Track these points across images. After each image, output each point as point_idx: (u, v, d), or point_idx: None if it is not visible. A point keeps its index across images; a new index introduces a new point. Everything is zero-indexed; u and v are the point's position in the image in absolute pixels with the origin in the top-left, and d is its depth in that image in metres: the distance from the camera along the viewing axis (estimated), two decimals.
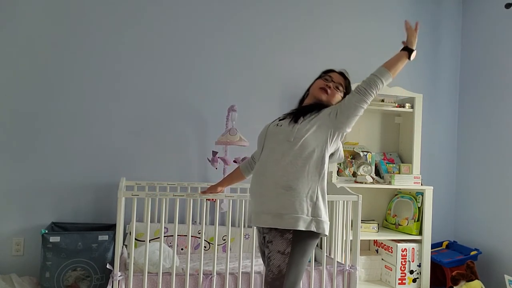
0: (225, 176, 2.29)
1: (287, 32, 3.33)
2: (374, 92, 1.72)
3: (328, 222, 1.75)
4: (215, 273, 2.33)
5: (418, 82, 3.58)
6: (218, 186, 2.24)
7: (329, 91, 1.85)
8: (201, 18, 3.18)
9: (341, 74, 1.93)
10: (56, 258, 2.53)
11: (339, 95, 1.88)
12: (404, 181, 3.15)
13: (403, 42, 1.84)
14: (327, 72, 1.94)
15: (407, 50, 1.80)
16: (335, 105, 1.82)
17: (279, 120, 1.86)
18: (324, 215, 1.71)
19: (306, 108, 1.83)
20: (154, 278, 2.27)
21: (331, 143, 1.75)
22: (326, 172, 1.76)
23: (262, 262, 1.94)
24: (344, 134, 1.79)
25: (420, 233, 3.10)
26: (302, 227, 1.64)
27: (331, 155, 1.83)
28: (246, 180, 2.32)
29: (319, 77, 1.94)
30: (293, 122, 1.75)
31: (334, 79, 1.89)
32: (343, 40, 3.45)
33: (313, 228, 1.66)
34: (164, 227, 2.66)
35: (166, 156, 3.09)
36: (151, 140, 3.07)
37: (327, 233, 1.72)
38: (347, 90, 1.89)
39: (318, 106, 1.83)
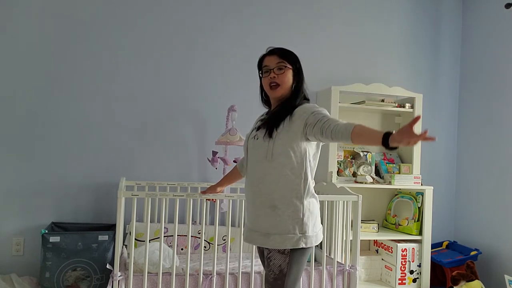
0: (224, 176, 2.29)
1: (287, 32, 3.33)
2: (327, 141, 1.59)
3: (317, 232, 1.71)
4: (215, 273, 2.33)
5: (418, 82, 3.58)
6: (217, 186, 2.24)
7: (278, 81, 1.70)
8: (201, 18, 3.18)
9: (272, 52, 1.75)
10: (56, 258, 2.53)
11: (287, 74, 1.72)
12: (404, 181, 3.15)
13: (392, 133, 1.37)
14: (261, 61, 1.79)
15: (386, 138, 1.37)
16: (307, 112, 1.64)
17: (256, 130, 1.77)
18: (311, 230, 1.67)
19: (277, 117, 1.70)
20: (154, 278, 2.27)
21: (310, 148, 1.69)
22: (311, 181, 1.70)
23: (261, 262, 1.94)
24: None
25: (420, 233, 3.10)
26: (289, 246, 1.63)
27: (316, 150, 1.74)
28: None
29: (259, 73, 1.80)
30: (267, 136, 1.66)
31: (270, 66, 1.72)
32: (343, 40, 3.45)
33: (302, 245, 1.64)
34: (164, 227, 2.66)
35: (166, 156, 3.09)
36: (151, 140, 3.07)
37: (317, 243, 1.71)
38: (289, 61, 1.73)
39: (285, 110, 1.70)
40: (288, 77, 1.73)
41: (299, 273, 1.70)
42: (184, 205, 2.83)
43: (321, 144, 1.75)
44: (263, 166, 1.69)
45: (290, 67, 1.74)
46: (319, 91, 3.32)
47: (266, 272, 1.71)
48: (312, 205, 1.71)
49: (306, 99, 1.79)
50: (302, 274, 2.08)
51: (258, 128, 1.76)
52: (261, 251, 1.85)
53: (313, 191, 1.73)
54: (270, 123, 1.69)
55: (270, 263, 1.67)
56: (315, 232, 1.70)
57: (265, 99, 1.88)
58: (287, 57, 1.74)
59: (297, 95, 1.75)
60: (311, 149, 1.70)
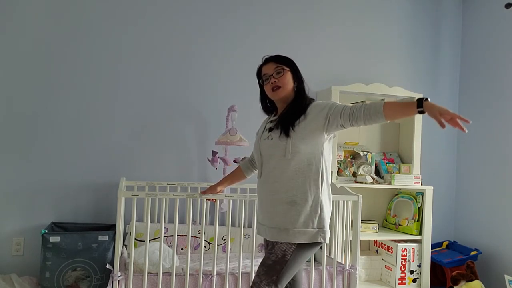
0: (225, 175, 2.29)
1: (287, 32, 3.33)
2: (358, 125, 1.66)
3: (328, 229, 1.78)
4: (215, 273, 2.33)
5: (418, 82, 3.58)
6: (218, 186, 2.24)
7: (279, 84, 1.77)
8: (201, 18, 3.18)
9: (267, 61, 1.84)
10: (56, 258, 2.53)
11: (286, 76, 1.79)
12: (404, 181, 3.15)
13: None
14: (259, 72, 1.88)
15: (420, 102, 1.53)
16: (325, 107, 1.71)
17: (268, 131, 1.80)
18: (328, 225, 1.74)
19: (291, 116, 1.75)
20: (154, 278, 2.27)
21: (327, 144, 1.76)
22: (328, 177, 1.76)
23: None
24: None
25: (420, 233, 3.10)
26: (308, 240, 1.68)
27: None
28: (247, 180, 2.32)
29: (260, 82, 1.88)
30: (284, 136, 1.71)
31: (269, 73, 1.80)
32: (343, 40, 3.45)
33: (320, 240, 1.69)
34: (164, 227, 2.67)
35: (166, 156, 3.09)
36: (151, 140, 3.07)
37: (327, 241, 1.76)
38: (285, 64, 1.80)
39: (298, 109, 1.76)
40: (288, 78, 1.80)
41: (299, 265, 1.73)
42: (184, 205, 2.83)
43: (332, 140, 1.80)
44: (281, 164, 1.72)
45: (288, 69, 1.81)
46: (319, 91, 3.32)
47: (266, 254, 1.72)
48: (328, 200, 1.77)
49: (312, 98, 1.85)
50: (302, 273, 2.09)
51: (270, 129, 1.80)
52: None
53: (330, 186, 1.79)
54: (285, 123, 1.74)
55: (275, 246, 1.69)
56: (328, 228, 1.75)
57: (268, 106, 1.94)
58: (283, 61, 1.82)
59: (302, 94, 1.82)
60: (326, 144, 1.75)
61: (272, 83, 1.79)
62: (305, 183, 1.70)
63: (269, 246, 1.74)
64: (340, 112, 1.65)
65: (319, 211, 1.70)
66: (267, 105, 1.94)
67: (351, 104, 1.69)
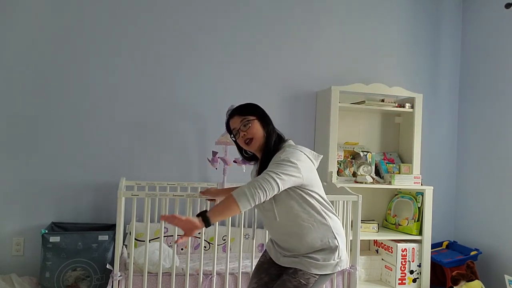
0: (229, 187, 2.25)
1: (287, 32, 3.33)
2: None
3: (346, 254, 1.78)
4: (215, 273, 2.33)
5: (418, 82, 3.58)
6: (218, 193, 2.22)
7: (249, 136, 1.74)
8: (201, 18, 3.18)
9: (231, 115, 1.81)
10: (56, 258, 2.53)
11: (254, 125, 1.75)
12: (404, 181, 3.15)
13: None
14: (227, 126, 1.83)
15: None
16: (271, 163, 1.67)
17: None
18: (345, 253, 1.74)
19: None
20: (154, 278, 2.27)
21: (305, 186, 1.68)
22: (327, 205, 1.74)
23: None
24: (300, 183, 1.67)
25: (420, 233, 3.10)
26: (329, 271, 1.69)
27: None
28: (246, 180, 2.31)
29: (231, 137, 1.84)
30: (270, 200, 1.66)
31: (236, 126, 1.77)
32: (343, 40, 3.45)
33: (338, 269, 1.71)
34: (164, 227, 2.66)
35: (166, 156, 3.09)
36: (151, 140, 3.07)
37: (347, 265, 1.81)
38: (250, 115, 1.77)
39: (268, 159, 1.71)
40: (256, 127, 1.76)
41: None
42: (184, 205, 2.83)
43: (315, 171, 1.76)
44: (278, 225, 1.73)
45: (254, 117, 1.77)
46: (319, 91, 3.32)
47: (287, 277, 1.69)
48: (338, 226, 1.75)
49: (282, 137, 1.81)
50: None
51: None
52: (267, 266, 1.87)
53: (331, 209, 1.76)
54: None
55: (299, 272, 1.67)
56: (346, 253, 1.76)
57: (248, 155, 1.88)
58: (247, 111, 1.78)
59: (270, 138, 1.76)
60: (308, 184, 1.69)
61: (242, 136, 1.75)
62: (311, 228, 1.68)
63: (290, 269, 1.72)
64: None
65: (337, 244, 1.70)
66: (246, 154, 1.87)
67: (270, 174, 1.59)
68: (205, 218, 1.56)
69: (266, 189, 1.55)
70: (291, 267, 1.71)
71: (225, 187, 2.29)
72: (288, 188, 1.64)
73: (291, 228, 1.71)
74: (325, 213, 1.72)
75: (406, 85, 3.45)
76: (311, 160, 1.73)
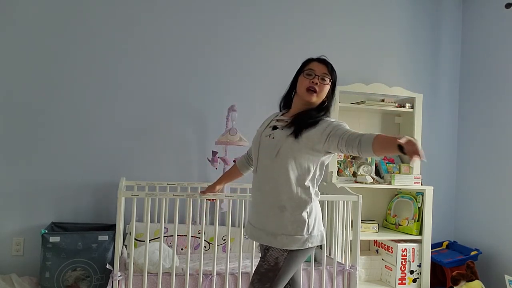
0: (223, 174, 2.28)
1: (288, 32, 3.33)
2: (354, 154, 1.59)
3: (322, 231, 1.75)
4: (215, 273, 2.33)
5: (418, 82, 3.58)
6: (216, 185, 2.23)
7: (317, 89, 1.72)
8: (201, 18, 3.18)
9: (322, 61, 1.79)
10: (56, 258, 2.53)
11: (327, 87, 1.76)
12: (404, 181, 3.15)
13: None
14: (307, 63, 1.80)
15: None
16: (330, 125, 1.65)
17: (272, 129, 1.76)
18: (317, 230, 1.72)
19: (304, 122, 1.70)
20: (154, 278, 2.27)
21: (325, 158, 1.73)
22: (317, 184, 1.76)
23: None
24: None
25: (420, 233, 3.10)
26: (296, 247, 1.66)
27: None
28: (247, 180, 2.32)
29: (301, 70, 1.80)
30: (292, 136, 1.66)
31: (317, 72, 1.74)
32: (343, 40, 3.45)
33: (307, 245, 1.68)
34: (164, 227, 2.66)
35: (166, 156, 3.09)
36: (151, 140, 3.07)
37: (323, 242, 1.75)
38: (332, 77, 1.77)
39: (312, 117, 1.71)
40: (326, 90, 1.76)
41: (293, 270, 1.71)
42: (184, 205, 2.83)
43: (332, 155, 1.76)
44: (274, 166, 1.70)
45: (330, 81, 1.77)
46: None
47: (260, 262, 1.71)
48: (317, 207, 1.76)
49: (327, 113, 1.81)
50: (302, 273, 2.08)
51: (274, 128, 1.76)
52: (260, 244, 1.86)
53: (318, 193, 1.77)
54: (299, 124, 1.69)
55: (267, 254, 1.68)
56: (320, 230, 1.74)
57: (286, 102, 1.88)
58: (333, 73, 1.79)
59: (325, 109, 1.78)
60: (325, 159, 1.73)
61: (313, 82, 1.72)
62: (298, 190, 1.68)
63: (261, 253, 1.74)
64: (340, 137, 1.59)
65: (308, 218, 1.68)
66: (287, 99, 1.88)
67: (355, 131, 1.59)
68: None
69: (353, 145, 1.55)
70: (263, 251, 1.71)
71: (221, 176, 2.28)
72: (309, 147, 1.64)
73: (279, 179, 1.68)
74: (313, 186, 1.71)
75: (406, 85, 3.45)
76: None
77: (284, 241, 1.66)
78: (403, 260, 3.04)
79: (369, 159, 3.21)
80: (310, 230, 1.69)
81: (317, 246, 2.26)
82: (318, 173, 1.73)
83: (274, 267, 1.65)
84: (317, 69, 1.76)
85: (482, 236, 3.33)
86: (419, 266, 3.08)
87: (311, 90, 1.73)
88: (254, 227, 1.78)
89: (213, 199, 2.32)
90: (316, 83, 1.73)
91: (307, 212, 1.69)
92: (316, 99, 1.75)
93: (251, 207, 1.84)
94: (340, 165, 3.23)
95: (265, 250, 1.72)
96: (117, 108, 3.02)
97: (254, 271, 1.71)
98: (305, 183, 1.69)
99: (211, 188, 2.23)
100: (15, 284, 2.59)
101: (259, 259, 1.76)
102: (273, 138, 1.72)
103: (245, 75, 3.22)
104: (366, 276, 3.13)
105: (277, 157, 1.68)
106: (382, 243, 3.21)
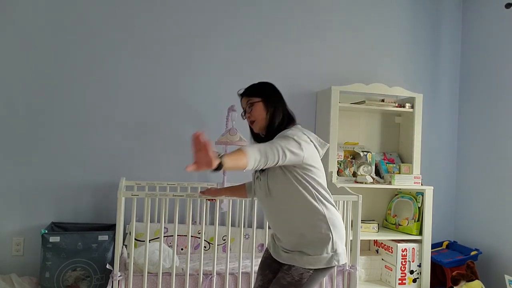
0: (229, 186, 2.26)
1: (288, 32, 3.33)
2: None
3: (344, 249, 1.71)
4: (215, 273, 2.33)
5: (418, 82, 3.58)
6: (217, 192, 2.22)
7: (252, 119, 1.75)
8: (200, 18, 3.18)
9: (240, 96, 1.82)
10: (56, 258, 2.53)
11: (256, 108, 1.74)
12: (404, 181, 3.14)
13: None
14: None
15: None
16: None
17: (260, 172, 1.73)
18: (341, 247, 1.68)
19: None
20: (154, 278, 2.27)
21: (306, 167, 1.65)
22: (325, 195, 1.69)
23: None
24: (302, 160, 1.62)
25: (420, 233, 3.10)
26: (323, 265, 1.64)
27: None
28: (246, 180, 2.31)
29: (242, 115, 1.85)
30: (266, 171, 1.67)
31: (243, 107, 1.81)
32: (343, 40, 3.45)
33: (334, 263, 1.65)
34: (164, 227, 2.66)
35: (166, 156, 3.09)
36: (151, 140, 3.07)
37: (346, 261, 1.74)
38: (254, 93, 1.77)
39: (268, 139, 1.68)
40: (258, 110, 1.75)
41: (313, 287, 1.69)
42: (184, 205, 2.83)
43: (318, 157, 1.73)
44: (275, 208, 1.71)
45: (258, 99, 1.75)
46: (319, 91, 3.32)
47: (282, 273, 1.68)
48: (334, 217, 1.70)
49: (291, 119, 1.78)
50: None
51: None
52: (267, 264, 1.85)
53: (330, 200, 1.72)
54: None
55: (292, 268, 1.65)
56: (342, 249, 1.70)
57: (258, 136, 1.85)
58: (252, 92, 1.78)
59: (273, 120, 1.74)
60: (307, 167, 1.65)
61: (247, 117, 1.78)
62: (305, 214, 1.66)
63: (284, 266, 1.70)
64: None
65: (330, 235, 1.65)
66: (257, 135, 1.84)
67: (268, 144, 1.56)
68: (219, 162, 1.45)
69: (269, 157, 1.52)
70: (285, 263, 1.70)
71: (225, 187, 2.28)
72: (285, 166, 1.62)
73: (285, 212, 1.68)
74: (321, 201, 1.66)
75: (406, 85, 3.45)
76: (316, 146, 1.70)
77: (310, 261, 1.64)
78: (403, 260, 3.04)
79: (369, 159, 3.21)
80: (335, 247, 1.65)
81: None
82: (314, 183, 1.66)
83: (297, 283, 1.63)
84: (243, 105, 1.81)
85: (482, 236, 3.33)
86: (419, 266, 3.08)
87: (251, 123, 1.77)
88: (279, 247, 1.76)
89: (213, 199, 2.32)
90: (249, 116, 1.77)
91: (327, 224, 1.65)
92: (260, 124, 1.75)
93: (272, 228, 1.81)
94: (340, 165, 3.23)
95: (286, 265, 1.70)
96: (117, 108, 3.02)
97: (274, 281, 1.69)
98: (310, 201, 1.65)
99: (212, 192, 2.22)
100: (15, 284, 2.59)
101: (277, 271, 1.71)
102: (260, 180, 1.73)
103: (245, 75, 3.22)
104: (366, 276, 3.13)
105: (271, 195, 1.68)
106: (382, 243, 3.21)
